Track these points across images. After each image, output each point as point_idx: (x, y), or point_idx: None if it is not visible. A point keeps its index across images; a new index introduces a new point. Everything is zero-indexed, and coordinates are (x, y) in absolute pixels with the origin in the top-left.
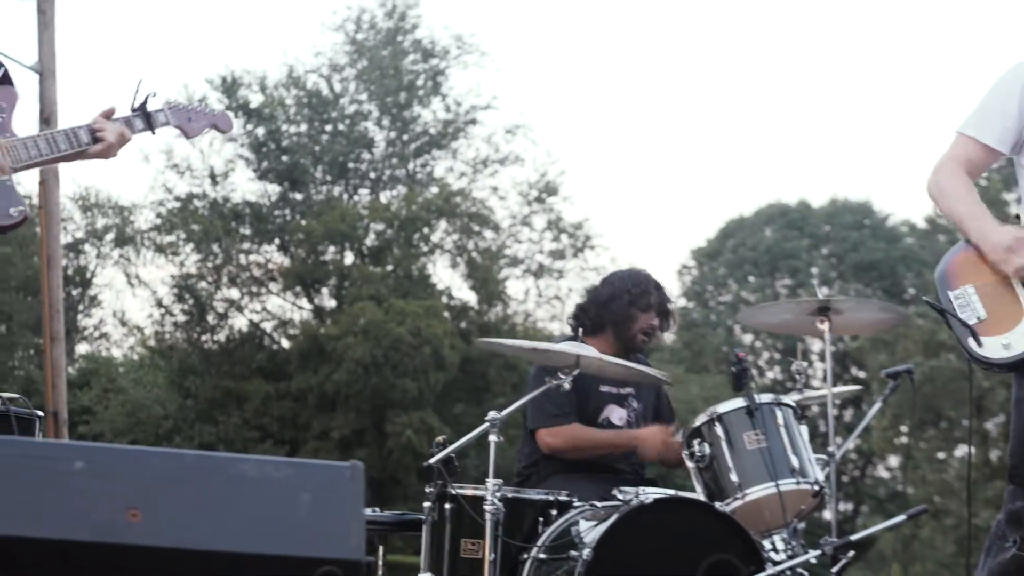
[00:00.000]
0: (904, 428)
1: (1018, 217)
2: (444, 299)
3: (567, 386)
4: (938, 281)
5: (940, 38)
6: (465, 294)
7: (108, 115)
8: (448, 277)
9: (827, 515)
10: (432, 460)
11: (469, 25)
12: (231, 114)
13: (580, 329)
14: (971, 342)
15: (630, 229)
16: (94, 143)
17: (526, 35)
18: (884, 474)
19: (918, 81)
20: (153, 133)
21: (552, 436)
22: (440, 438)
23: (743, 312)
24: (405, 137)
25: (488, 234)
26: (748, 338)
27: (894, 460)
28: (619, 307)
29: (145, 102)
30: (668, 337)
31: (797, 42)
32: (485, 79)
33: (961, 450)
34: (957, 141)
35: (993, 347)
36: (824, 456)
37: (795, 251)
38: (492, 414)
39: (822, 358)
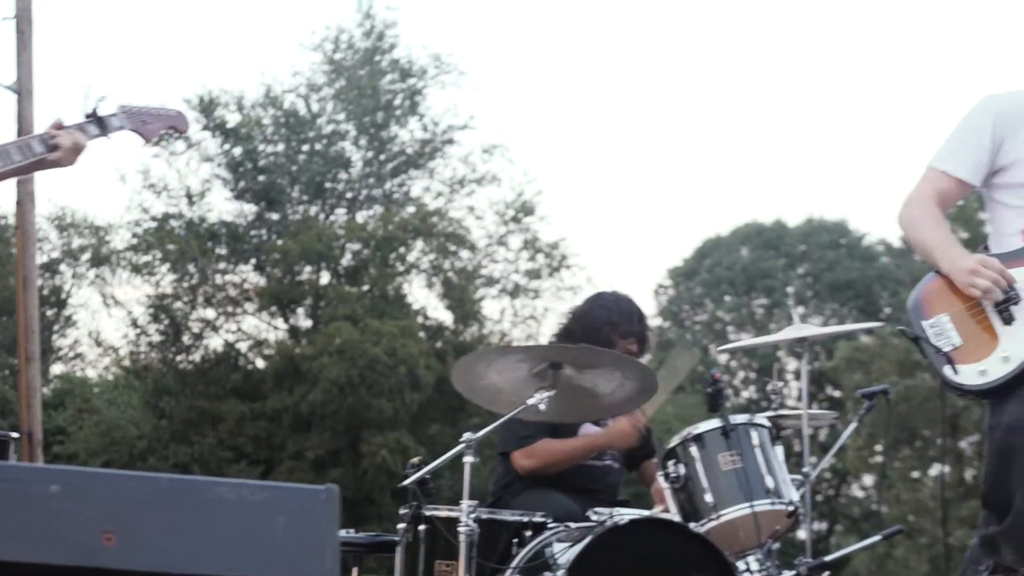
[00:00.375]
0: (879, 447)
1: (986, 248)
2: (420, 319)
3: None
4: (912, 310)
5: (915, 58)
6: (441, 314)
7: (59, 126)
8: (424, 297)
9: (802, 535)
10: (407, 481)
11: (447, 44)
12: (187, 114)
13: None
14: (947, 370)
15: (607, 248)
16: (49, 152)
17: (504, 54)
18: (859, 493)
19: (893, 100)
20: (108, 138)
21: (526, 457)
22: (415, 459)
23: (724, 347)
24: (382, 157)
25: (464, 254)
26: (724, 358)
27: (869, 479)
28: (601, 332)
29: (96, 107)
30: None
31: (773, 61)
32: (463, 99)
33: (936, 469)
34: (928, 175)
35: (969, 374)
36: (799, 476)
37: (771, 270)
38: (467, 435)
39: (798, 377)
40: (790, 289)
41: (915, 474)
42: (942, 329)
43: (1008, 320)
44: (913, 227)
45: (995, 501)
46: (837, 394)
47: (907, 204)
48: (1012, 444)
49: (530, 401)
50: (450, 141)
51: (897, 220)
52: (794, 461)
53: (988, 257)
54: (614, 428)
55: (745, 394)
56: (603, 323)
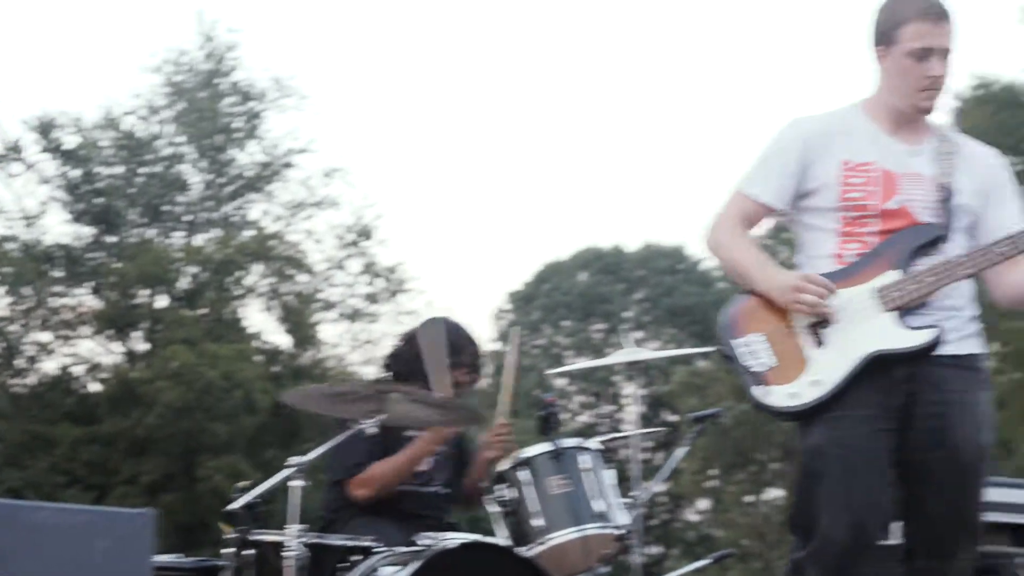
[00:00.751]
0: (714, 471)
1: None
2: (257, 343)
3: (372, 431)
4: (723, 330)
5: (748, 88)
6: (278, 338)
7: None
8: (262, 321)
9: (635, 559)
10: (233, 505)
11: (288, 68)
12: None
13: (392, 376)
14: (757, 391)
15: (447, 272)
16: None
17: (345, 78)
18: (694, 517)
19: (727, 127)
20: None
21: (361, 486)
22: (241, 483)
23: (555, 371)
24: (221, 180)
25: (302, 278)
26: (561, 382)
27: (704, 503)
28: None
29: None
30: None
31: (609, 89)
32: (303, 122)
33: (770, 493)
34: (734, 198)
35: (780, 396)
36: (629, 500)
37: (609, 296)
38: (294, 459)
39: (635, 401)
40: (628, 314)
41: (749, 498)
42: (754, 349)
43: (820, 343)
44: (724, 248)
45: (801, 525)
46: (674, 418)
47: (714, 227)
48: (817, 467)
49: (358, 426)
50: (289, 164)
51: (704, 243)
52: (629, 485)
53: (810, 273)
54: (428, 436)
55: (582, 418)
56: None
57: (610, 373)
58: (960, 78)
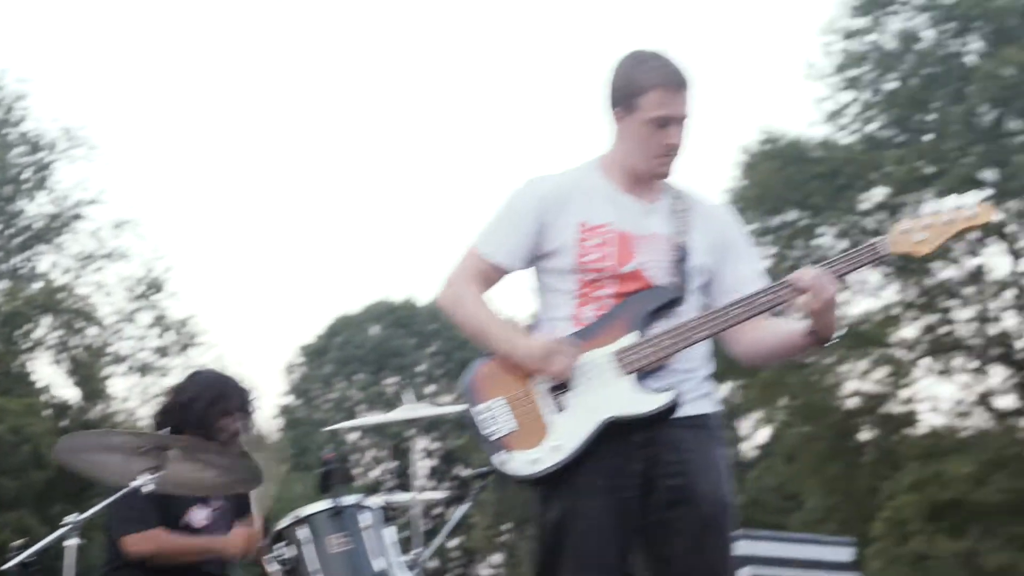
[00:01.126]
0: (507, 526)
1: (532, 330)
2: (46, 396)
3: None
4: (464, 395)
5: (539, 140)
6: (67, 391)
7: None
8: (50, 374)
9: None
10: (7, 565)
11: (79, 118)
12: None
13: (164, 430)
14: (498, 457)
15: (238, 325)
16: None
17: (134, 128)
18: (487, 572)
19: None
20: None
21: (138, 543)
22: (17, 541)
23: (331, 427)
24: (9, 231)
25: (92, 330)
26: (355, 436)
27: (498, 557)
28: (200, 410)
29: None
30: (271, 435)
31: (399, 143)
32: (93, 173)
33: None
34: (468, 256)
35: (521, 462)
36: (411, 557)
37: (402, 349)
38: (70, 517)
39: (429, 455)
40: (421, 367)
41: None
42: (495, 415)
43: (561, 407)
44: (460, 305)
45: None
46: (467, 472)
47: (450, 283)
48: (554, 541)
49: (134, 483)
50: (78, 216)
51: (439, 299)
52: (421, 540)
53: (558, 336)
54: (232, 539)
55: (374, 473)
56: (203, 402)
57: (403, 427)
58: (748, 132)
